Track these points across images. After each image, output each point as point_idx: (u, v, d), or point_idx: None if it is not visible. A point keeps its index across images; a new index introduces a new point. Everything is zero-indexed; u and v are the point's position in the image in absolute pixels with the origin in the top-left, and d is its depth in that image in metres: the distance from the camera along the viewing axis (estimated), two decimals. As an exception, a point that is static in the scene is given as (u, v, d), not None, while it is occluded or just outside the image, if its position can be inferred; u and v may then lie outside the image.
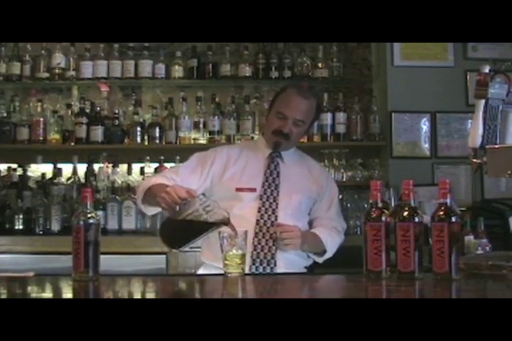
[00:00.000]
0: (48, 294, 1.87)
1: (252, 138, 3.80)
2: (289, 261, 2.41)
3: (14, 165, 3.81)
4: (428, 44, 3.70)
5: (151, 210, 2.43)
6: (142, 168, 3.80)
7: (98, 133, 3.80)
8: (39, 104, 3.88)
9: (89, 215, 1.87)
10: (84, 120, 3.81)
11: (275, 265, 2.38)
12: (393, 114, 3.74)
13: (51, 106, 3.94)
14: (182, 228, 2.07)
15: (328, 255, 2.49)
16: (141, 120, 3.88)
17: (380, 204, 1.92)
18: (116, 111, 3.85)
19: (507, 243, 2.87)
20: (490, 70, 2.08)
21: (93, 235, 1.85)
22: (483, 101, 2.08)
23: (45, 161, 3.84)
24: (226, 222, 2.03)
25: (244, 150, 2.59)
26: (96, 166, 3.81)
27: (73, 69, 3.91)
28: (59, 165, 3.82)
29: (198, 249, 2.55)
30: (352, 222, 3.61)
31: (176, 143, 3.83)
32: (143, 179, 3.74)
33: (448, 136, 3.75)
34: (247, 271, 2.25)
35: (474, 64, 2.93)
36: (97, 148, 3.82)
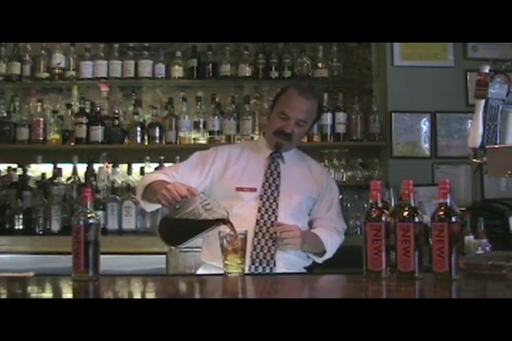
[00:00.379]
0: (47, 294, 1.87)
1: (252, 138, 3.80)
2: (288, 261, 2.41)
3: (14, 165, 3.81)
4: (428, 44, 3.70)
5: (151, 207, 2.42)
6: (142, 168, 3.79)
7: (98, 133, 3.81)
8: (39, 104, 3.88)
9: (89, 215, 1.87)
10: (84, 120, 3.81)
11: (274, 265, 2.38)
12: (393, 114, 3.74)
13: (51, 106, 3.94)
14: (181, 226, 2.07)
15: (328, 255, 2.49)
16: (141, 120, 3.88)
17: (380, 204, 1.92)
18: (116, 111, 3.85)
19: (507, 243, 2.87)
20: (490, 70, 2.08)
21: (93, 235, 1.85)
22: (483, 101, 2.08)
23: (45, 161, 3.85)
24: (225, 221, 2.03)
25: (245, 150, 2.59)
26: (96, 166, 3.82)
27: (73, 69, 3.91)
28: (59, 165, 3.82)
29: (198, 249, 2.55)
30: (352, 222, 3.61)
31: (176, 143, 3.83)
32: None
33: (448, 136, 3.75)
34: (246, 270, 2.25)
35: (474, 64, 2.93)
36: (97, 148, 3.82)
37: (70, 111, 3.89)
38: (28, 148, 3.85)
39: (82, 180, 3.78)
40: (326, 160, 3.83)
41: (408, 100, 3.73)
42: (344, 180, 3.81)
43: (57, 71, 3.90)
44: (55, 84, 3.99)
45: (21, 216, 3.60)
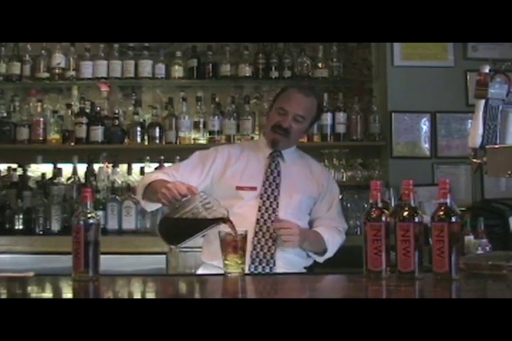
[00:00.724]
0: (48, 294, 1.87)
1: (252, 138, 3.80)
2: (288, 260, 2.40)
3: (14, 165, 3.81)
4: (428, 44, 3.70)
5: (152, 206, 2.42)
6: (142, 168, 3.79)
7: (98, 133, 3.80)
8: (39, 104, 3.88)
9: (89, 215, 1.87)
10: (84, 120, 3.81)
11: (274, 264, 2.38)
12: (393, 114, 3.74)
13: (51, 106, 3.94)
14: (180, 225, 2.07)
15: (329, 255, 2.49)
16: (141, 120, 3.88)
17: (380, 204, 1.92)
18: (116, 111, 3.85)
19: (507, 243, 2.87)
20: (490, 70, 2.08)
21: (93, 235, 1.85)
22: (483, 101, 2.08)
23: (45, 161, 3.85)
24: (225, 220, 2.03)
25: (246, 149, 2.59)
26: (96, 166, 3.81)
27: (73, 69, 3.91)
28: (59, 165, 3.82)
29: (198, 249, 2.55)
30: (352, 222, 3.60)
31: (176, 143, 3.83)
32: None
33: (448, 136, 3.75)
34: (246, 270, 2.25)
35: (474, 64, 2.93)
36: (97, 148, 3.82)
37: (70, 111, 3.88)
38: (28, 148, 3.85)
39: (82, 180, 3.78)
40: (326, 160, 3.83)
41: (408, 100, 3.72)
42: (344, 180, 3.81)
43: (57, 71, 3.90)
44: (55, 84, 3.99)
45: (21, 216, 3.60)
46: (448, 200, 1.84)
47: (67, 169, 3.82)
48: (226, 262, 2.01)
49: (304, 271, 2.49)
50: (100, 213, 3.49)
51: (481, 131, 2.07)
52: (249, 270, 2.32)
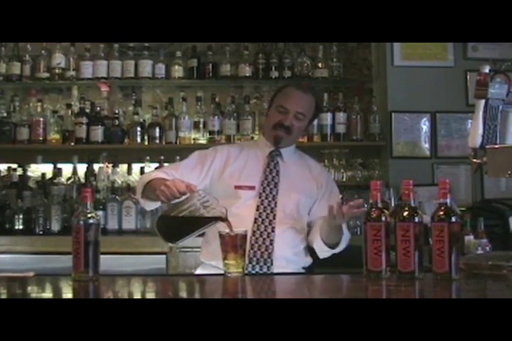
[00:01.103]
0: (48, 294, 1.87)
1: (252, 138, 3.80)
2: (286, 260, 2.40)
3: (14, 165, 3.81)
4: (428, 44, 3.70)
5: (151, 205, 2.41)
6: (142, 168, 3.79)
7: (98, 133, 3.81)
8: (39, 104, 3.88)
9: (89, 215, 1.87)
10: (84, 120, 3.81)
11: (272, 264, 2.37)
12: (393, 114, 3.74)
13: (51, 106, 3.94)
14: (178, 222, 2.06)
15: (339, 249, 2.41)
16: (141, 120, 3.88)
17: (380, 204, 1.92)
18: (116, 111, 3.85)
19: (507, 243, 2.87)
20: (490, 70, 2.08)
21: (93, 235, 1.85)
22: (483, 101, 2.08)
23: (45, 161, 3.85)
24: (223, 219, 2.03)
25: (245, 148, 2.59)
26: (96, 166, 3.82)
27: (73, 69, 3.91)
28: (59, 165, 3.82)
29: (198, 249, 2.55)
30: (352, 222, 3.60)
31: (176, 143, 3.83)
32: (143, 177, 3.75)
33: (448, 136, 3.76)
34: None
35: (474, 64, 2.93)
36: (97, 148, 3.82)
37: (70, 111, 3.89)
38: (28, 148, 3.85)
39: (82, 180, 3.78)
40: (326, 160, 3.83)
41: (408, 100, 3.73)
42: (344, 180, 3.81)
43: (57, 71, 3.90)
44: (55, 84, 3.99)
45: (21, 216, 3.60)
46: (448, 200, 1.84)
47: (67, 169, 3.82)
48: (226, 262, 2.01)
49: (303, 271, 2.49)
50: (100, 213, 3.49)
51: (481, 131, 2.07)
52: (246, 270, 2.31)
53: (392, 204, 2.40)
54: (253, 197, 2.44)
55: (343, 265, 2.31)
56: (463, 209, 2.88)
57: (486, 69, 2.07)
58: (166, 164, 3.74)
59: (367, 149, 3.92)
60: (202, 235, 2.39)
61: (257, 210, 2.42)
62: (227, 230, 2.02)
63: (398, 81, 3.74)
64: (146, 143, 3.85)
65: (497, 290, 1.89)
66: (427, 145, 3.76)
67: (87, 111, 3.89)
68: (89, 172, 3.80)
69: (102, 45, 3.90)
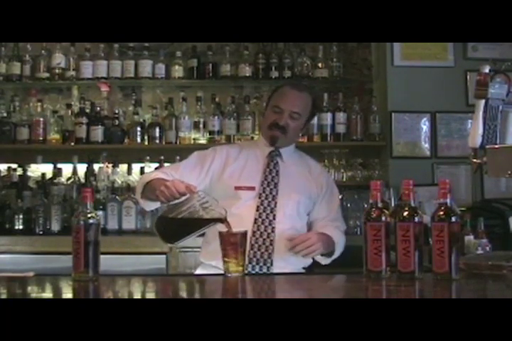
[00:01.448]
0: (48, 294, 1.87)
1: (252, 138, 3.80)
2: (286, 261, 2.40)
3: (14, 165, 3.81)
4: (428, 44, 3.70)
5: (151, 205, 2.41)
6: (142, 168, 3.79)
7: (98, 133, 3.81)
8: (39, 104, 3.88)
9: (89, 215, 1.87)
10: (84, 120, 3.81)
11: (271, 264, 2.37)
12: (393, 114, 3.74)
13: (51, 106, 3.94)
14: (177, 223, 2.06)
15: (336, 255, 2.47)
16: (141, 120, 3.88)
17: (380, 204, 1.92)
18: (116, 111, 3.85)
19: (507, 243, 2.87)
20: (490, 70, 2.08)
21: (93, 235, 1.85)
22: (483, 101, 2.08)
23: (45, 161, 3.85)
24: (222, 220, 2.03)
25: (244, 149, 2.59)
26: (96, 166, 3.82)
27: (73, 69, 3.91)
28: (59, 165, 3.82)
29: (198, 249, 2.55)
30: (352, 222, 3.60)
31: (176, 143, 3.83)
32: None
33: (448, 136, 3.75)
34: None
35: (474, 64, 2.93)
36: (97, 148, 3.82)
37: (70, 111, 3.89)
38: (28, 148, 3.85)
39: (82, 180, 3.78)
40: (326, 160, 3.83)
41: (408, 100, 3.72)
42: (344, 180, 3.81)
43: (57, 71, 3.90)
44: (55, 84, 3.99)
45: (21, 216, 3.60)
46: (448, 200, 1.84)
47: (67, 169, 3.82)
48: (226, 261, 2.01)
49: (303, 271, 2.49)
50: (100, 213, 3.49)
51: (481, 131, 2.07)
52: (246, 270, 2.32)
53: (392, 204, 2.40)
54: (253, 197, 2.44)
55: (343, 265, 2.32)
56: (463, 209, 2.87)
57: (486, 69, 2.07)
58: (166, 164, 3.74)
59: (367, 149, 3.92)
60: (202, 235, 2.39)
61: (257, 211, 2.41)
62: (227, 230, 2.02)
63: (398, 81, 3.74)
64: (146, 143, 3.85)
65: (497, 290, 1.89)
66: (427, 146, 3.75)
67: (87, 111, 3.89)
68: (89, 172, 3.80)
69: (102, 45, 3.90)
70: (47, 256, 3.26)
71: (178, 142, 3.84)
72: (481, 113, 2.08)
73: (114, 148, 3.83)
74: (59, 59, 3.89)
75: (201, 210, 2.03)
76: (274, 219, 2.41)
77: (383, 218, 1.89)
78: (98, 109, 3.90)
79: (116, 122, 3.83)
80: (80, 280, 1.85)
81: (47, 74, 3.90)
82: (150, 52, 3.94)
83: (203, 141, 3.86)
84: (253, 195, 2.44)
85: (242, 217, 2.35)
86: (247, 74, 3.91)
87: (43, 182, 3.79)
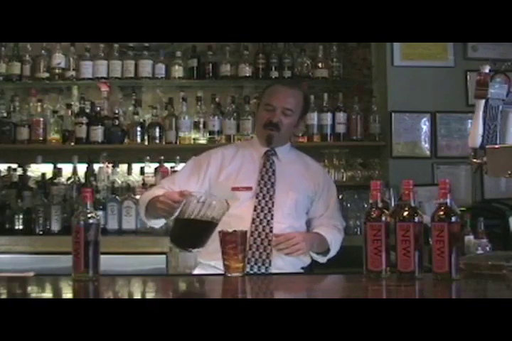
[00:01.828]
0: (48, 294, 1.87)
1: (252, 138, 3.79)
2: (284, 261, 2.40)
3: (14, 165, 3.81)
4: (428, 44, 3.70)
5: (157, 223, 2.46)
6: (142, 168, 3.79)
7: (98, 133, 3.80)
8: (39, 104, 3.88)
9: (89, 215, 1.87)
10: (84, 120, 3.81)
11: (270, 264, 2.37)
12: (393, 114, 3.74)
13: (51, 106, 3.93)
14: (188, 228, 2.08)
15: (332, 254, 2.49)
16: (141, 120, 3.88)
17: (380, 204, 1.92)
18: (116, 111, 3.85)
19: (507, 243, 2.87)
20: (490, 70, 2.08)
21: (93, 235, 1.85)
22: (483, 101, 2.08)
23: (45, 161, 3.84)
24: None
25: (240, 149, 2.59)
26: (96, 166, 3.81)
27: (73, 69, 3.91)
28: (59, 165, 3.82)
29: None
30: (352, 222, 3.60)
31: (176, 143, 3.83)
32: (143, 179, 3.75)
33: (448, 136, 3.75)
34: None
35: (474, 64, 2.93)
36: (97, 148, 3.82)
37: (70, 111, 3.88)
38: (28, 148, 3.85)
39: (82, 180, 3.78)
40: (326, 160, 3.83)
41: (408, 100, 3.72)
42: (344, 180, 3.81)
43: (57, 71, 3.90)
44: (55, 84, 3.99)
45: (21, 216, 3.60)
46: (448, 200, 1.84)
47: (67, 169, 3.81)
48: (226, 262, 2.00)
49: (302, 271, 2.49)
50: (100, 213, 3.49)
51: (481, 131, 2.07)
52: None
53: (392, 204, 2.41)
54: (250, 197, 2.44)
55: (343, 265, 2.32)
56: (463, 209, 2.87)
57: (486, 69, 2.07)
58: (166, 164, 3.75)
59: (367, 149, 3.92)
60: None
61: (255, 211, 2.41)
62: (229, 230, 2.03)
63: (398, 81, 3.74)
64: (146, 143, 3.84)
65: (497, 290, 1.89)
66: (427, 146, 3.75)
67: (87, 111, 3.89)
68: (89, 172, 3.80)
69: (102, 45, 3.90)
70: (47, 256, 3.26)
71: (178, 142, 3.84)
72: (481, 113, 2.08)
73: (114, 148, 3.83)
74: (59, 59, 3.89)
75: (204, 209, 2.03)
76: (271, 218, 2.41)
77: (383, 218, 1.90)
78: (98, 109, 3.89)
79: (116, 122, 3.82)
80: (79, 280, 1.85)
81: (47, 74, 3.90)
82: (150, 52, 3.94)
83: (203, 141, 3.85)
84: (250, 195, 2.44)
85: (240, 217, 2.36)
86: (247, 74, 3.91)
87: (43, 182, 3.79)
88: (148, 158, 3.81)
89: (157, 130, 3.82)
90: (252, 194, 2.44)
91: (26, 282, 1.90)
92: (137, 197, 3.63)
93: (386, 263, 1.88)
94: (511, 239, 2.96)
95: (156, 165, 3.79)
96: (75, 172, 3.79)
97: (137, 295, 1.88)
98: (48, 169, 3.86)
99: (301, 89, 2.63)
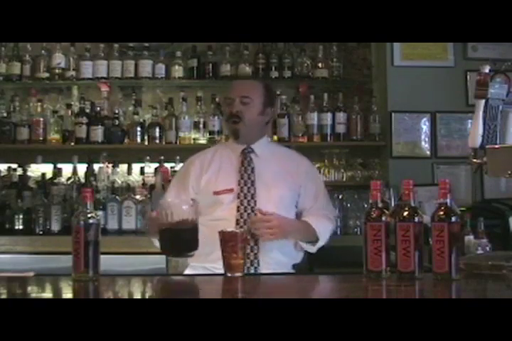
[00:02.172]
0: (48, 294, 1.87)
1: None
2: (274, 260, 2.37)
3: (14, 165, 3.81)
4: (428, 44, 3.70)
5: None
6: (142, 168, 3.80)
7: (98, 133, 3.80)
8: (39, 104, 3.88)
9: (89, 215, 1.87)
10: (84, 120, 3.81)
11: (258, 265, 2.35)
12: (393, 114, 3.74)
13: (51, 106, 3.93)
14: (175, 236, 2.07)
15: (321, 243, 2.43)
16: (141, 120, 3.88)
17: (380, 204, 1.92)
18: (116, 111, 3.85)
19: (507, 243, 2.87)
20: (490, 70, 2.08)
21: (93, 235, 1.85)
22: (483, 101, 2.08)
23: (45, 161, 3.84)
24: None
25: (217, 152, 2.55)
26: (96, 166, 3.81)
27: (73, 69, 3.91)
28: (59, 165, 3.82)
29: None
30: (352, 222, 3.61)
31: (175, 143, 3.83)
32: (143, 179, 3.75)
33: (448, 136, 3.75)
34: None
35: (474, 64, 2.93)
36: (97, 148, 3.82)
37: (70, 111, 3.88)
38: (28, 148, 3.85)
39: (82, 180, 3.78)
40: (326, 160, 3.84)
41: (408, 100, 3.72)
42: (344, 180, 3.81)
43: (57, 71, 3.90)
44: (55, 84, 3.99)
45: (21, 216, 3.60)
46: (448, 200, 1.84)
47: (67, 169, 3.81)
48: (226, 261, 2.00)
49: (293, 270, 2.45)
50: (100, 213, 3.49)
51: (481, 131, 2.07)
52: None
53: (392, 204, 2.40)
54: (233, 199, 2.40)
55: (343, 265, 2.32)
56: (463, 209, 2.87)
57: (486, 69, 2.07)
58: (166, 164, 3.76)
59: (367, 149, 3.92)
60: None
61: (238, 211, 2.38)
62: (228, 230, 2.03)
63: (398, 81, 3.74)
64: (146, 143, 3.84)
65: (497, 290, 1.89)
66: (427, 146, 3.75)
67: (87, 111, 3.88)
68: (89, 172, 3.80)
69: (102, 45, 3.90)
70: (47, 256, 3.26)
71: (178, 142, 3.84)
72: (481, 113, 2.08)
73: (114, 148, 3.83)
74: (59, 59, 3.89)
75: (172, 214, 2.03)
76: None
77: (383, 218, 1.89)
78: (98, 109, 3.89)
79: (116, 122, 3.82)
80: (79, 280, 1.85)
81: (47, 74, 3.90)
82: (150, 52, 3.94)
83: (202, 141, 3.85)
84: (233, 197, 2.40)
85: (226, 219, 2.35)
86: (247, 74, 3.90)
87: (43, 182, 3.79)
88: (148, 158, 3.81)
89: (157, 130, 3.82)
90: (234, 195, 2.40)
91: (26, 282, 1.90)
92: (137, 197, 3.64)
93: (386, 263, 1.88)
94: (511, 239, 2.96)
95: (156, 165, 3.79)
96: (75, 172, 3.79)
97: (137, 295, 1.88)
98: (48, 169, 3.86)
99: (262, 82, 2.62)
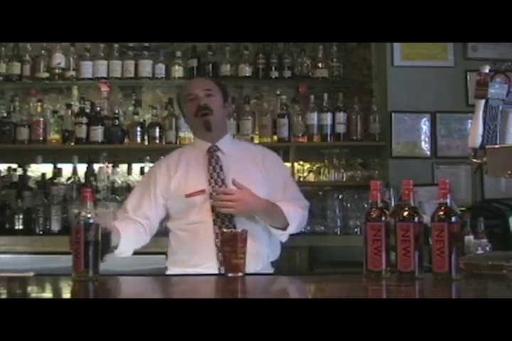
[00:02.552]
0: (48, 294, 1.87)
1: (252, 138, 3.80)
2: (253, 257, 2.21)
3: (14, 165, 3.81)
4: (428, 44, 3.70)
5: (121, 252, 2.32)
6: (142, 168, 3.79)
7: (98, 133, 3.80)
8: (39, 104, 3.88)
9: (89, 215, 1.87)
10: (84, 120, 3.81)
11: None
12: (393, 114, 3.74)
13: (51, 106, 3.94)
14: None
15: (292, 229, 2.38)
16: (141, 120, 3.88)
17: (380, 204, 1.92)
18: (116, 111, 3.85)
19: (507, 243, 2.87)
20: (490, 70, 2.08)
21: (93, 235, 1.85)
22: (483, 101, 2.08)
23: (45, 161, 3.84)
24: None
25: (183, 153, 2.53)
26: (96, 166, 3.81)
27: (73, 69, 3.91)
28: (59, 165, 3.82)
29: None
30: (352, 222, 3.60)
31: (175, 143, 3.83)
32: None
33: (448, 136, 3.75)
34: (216, 271, 2.27)
35: (474, 64, 2.93)
36: (97, 148, 3.82)
37: (70, 111, 3.88)
38: (28, 148, 3.85)
39: (82, 180, 3.78)
40: (326, 161, 3.84)
41: (408, 100, 3.73)
42: (344, 180, 3.82)
43: (57, 71, 3.90)
44: (55, 84, 3.99)
45: (21, 216, 3.60)
46: (448, 200, 1.84)
47: (67, 169, 3.81)
48: (226, 260, 2.01)
49: (272, 268, 2.43)
50: (100, 213, 3.49)
51: (481, 131, 2.07)
52: (218, 271, 2.28)
53: (392, 204, 2.40)
54: (206, 200, 2.36)
55: (343, 265, 2.32)
56: (463, 209, 2.87)
57: (486, 69, 2.07)
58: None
59: (367, 149, 3.92)
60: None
61: (213, 211, 2.34)
62: (228, 230, 2.03)
63: (398, 81, 3.74)
64: (146, 143, 3.85)
65: (497, 290, 1.89)
66: (427, 145, 3.76)
67: (87, 111, 3.89)
68: (89, 172, 3.80)
69: (102, 45, 3.90)
70: (47, 256, 3.26)
71: (178, 142, 3.83)
72: (481, 113, 2.08)
73: (114, 148, 3.83)
74: (59, 59, 3.89)
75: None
76: (232, 216, 2.34)
77: (383, 218, 1.89)
78: (98, 109, 3.89)
79: (116, 122, 3.83)
80: (79, 280, 1.85)
81: (47, 74, 3.90)
82: (150, 52, 3.94)
83: (202, 141, 3.85)
84: (205, 198, 2.37)
85: (202, 221, 2.33)
86: (247, 74, 3.91)
87: (43, 182, 3.79)
88: (148, 158, 3.81)
89: (157, 130, 3.83)
90: (206, 196, 2.36)
91: (26, 282, 1.90)
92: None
93: (386, 263, 1.87)
94: (511, 239, 2.96)
95: (156, 165, 3.79)
96: (75, 172, 3.79)
97: (137, 295, 1.87)
98: (48, 169, 3.86)
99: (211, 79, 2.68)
